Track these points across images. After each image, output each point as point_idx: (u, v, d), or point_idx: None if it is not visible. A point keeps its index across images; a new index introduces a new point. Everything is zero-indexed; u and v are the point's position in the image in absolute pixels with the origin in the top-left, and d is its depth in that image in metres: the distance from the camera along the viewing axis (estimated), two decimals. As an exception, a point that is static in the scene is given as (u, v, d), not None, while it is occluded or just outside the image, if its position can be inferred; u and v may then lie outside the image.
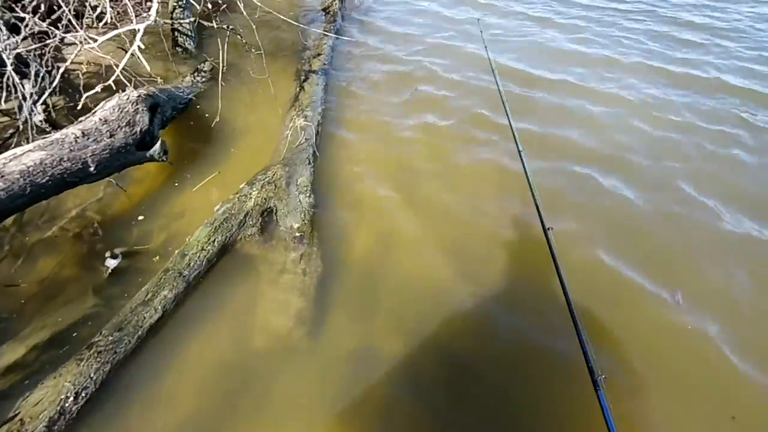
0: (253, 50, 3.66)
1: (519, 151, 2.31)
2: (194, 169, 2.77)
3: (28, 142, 2.35)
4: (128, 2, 2.89)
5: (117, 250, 2.20)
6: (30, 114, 2.28)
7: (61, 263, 2.19)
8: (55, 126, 2.61)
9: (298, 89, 3.58)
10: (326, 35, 4.33)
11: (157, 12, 2.60)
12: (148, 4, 2.94)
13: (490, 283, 2.25)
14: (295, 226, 2.33)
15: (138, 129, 2.38)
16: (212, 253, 2.11)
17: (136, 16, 2.89)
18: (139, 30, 2.38)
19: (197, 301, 2.06)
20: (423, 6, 5.58)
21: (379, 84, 3.88)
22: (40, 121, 2.40)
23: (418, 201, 2.69)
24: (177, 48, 4.04)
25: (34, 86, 2.29)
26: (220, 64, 3.21)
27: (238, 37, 3.75)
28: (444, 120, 3.45)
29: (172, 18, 4.02)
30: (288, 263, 2.21)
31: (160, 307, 1.86)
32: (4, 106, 2.42)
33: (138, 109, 2.41)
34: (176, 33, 4.05)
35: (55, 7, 2.77)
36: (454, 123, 3.41)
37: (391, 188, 2.76)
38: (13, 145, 2.33)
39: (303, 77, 3.71)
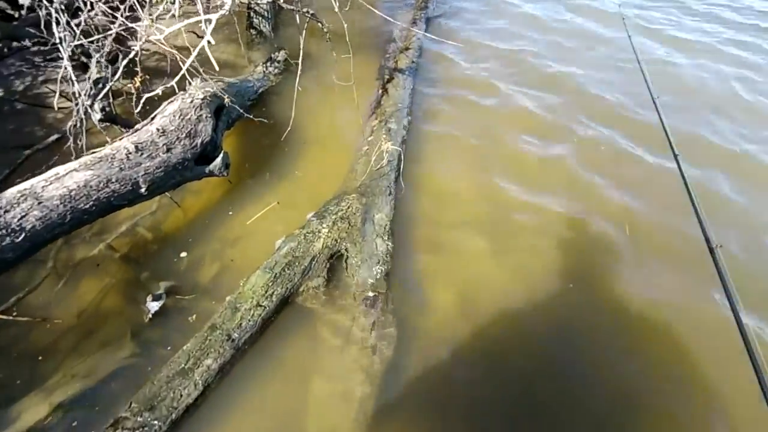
0: (331, 41, 3.19)
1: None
2: (253, 189, 2.40)
3: (80, 147, 2.09)
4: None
5: (161, 286, 1.89)
6: (85, 114, 1.98)
7: (104, 291, 1.91)
8: (116, 122, 2.32)
9: (380, 91, 3.07)
10: (415, 29, 3.75)
11: (234, -3, 2.20)
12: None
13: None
14: (370, 281, 1.88)
15: (199, 141, 2.01)
16: (269, 311, 1.73)
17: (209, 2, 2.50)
18: (211, 21, 1.98)
19: (241, 367, 1.69)
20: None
21: (474, 94, 3.26)
22: (99, 119, 2.10)
23: (514, 252, 2.14)
24: (251, 30, 3.66)
25: (91, 83, 1.98)
26: (299, 58, 2.76)
27: (320, 25, 3.28)
28: (553, 146, 2.80)
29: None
30: (356, 331, 1.78)
31: (201, 382, 1.51)
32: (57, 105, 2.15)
33: (201, 116, 2.04)
34: (252, 13, 3.67)
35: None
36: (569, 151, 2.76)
37: (483, 235, 2.23)
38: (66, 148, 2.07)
39: (387, 76, 3.20)
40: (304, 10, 3.30)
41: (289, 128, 2.55)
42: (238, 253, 2.09)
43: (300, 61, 2.53)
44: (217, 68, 2.02)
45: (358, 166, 2.39)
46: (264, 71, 3.21)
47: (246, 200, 2.33)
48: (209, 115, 2.10)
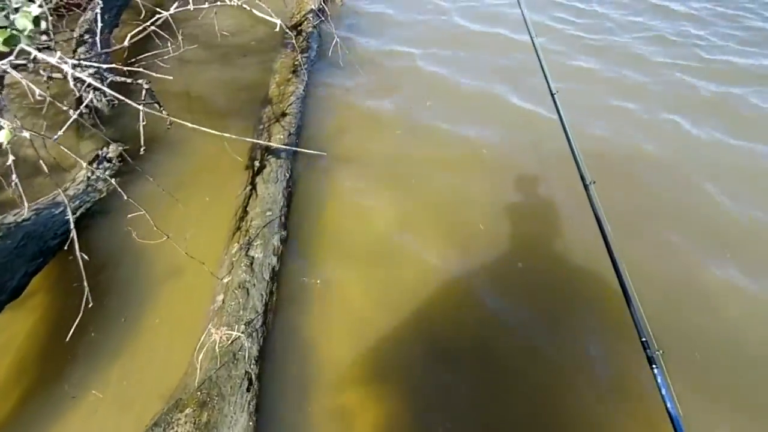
0: (168, 118, 2.42)
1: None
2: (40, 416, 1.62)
3: None
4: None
5: None
6: None
7: None
8: None
9: (247, 188, 2.35)
10: (295, 81, 3.03)
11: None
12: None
13: None
14: None
15: None
16: None
17: None
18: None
19: None
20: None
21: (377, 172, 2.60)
22: None
23: None
24: (84, 109, 2.78)
25: None
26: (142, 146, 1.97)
27: (158, 106, 2.49)
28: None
29: (75, 57, 2.76)
30: None
31: None
32: None
33: None
34: (80, 84, 2.79)
35: None
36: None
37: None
38: None
39: (258, 162, 2.47)
40: (142, 81, 2.49)
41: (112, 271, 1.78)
42: None
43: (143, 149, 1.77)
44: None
45: (205, 345, 1.68)
46: (87, 178, 2.38)
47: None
48: None
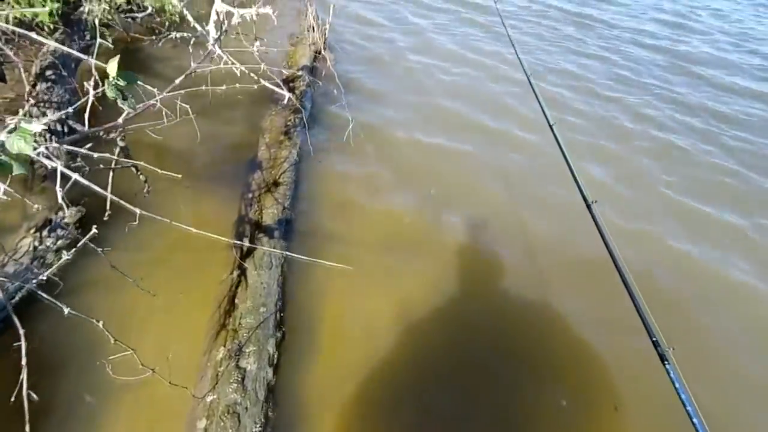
0: (149, 193, 2.11)
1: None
2: None
3: None
4: None
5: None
6: None
7: None
8: None
9: (234, 274, 2.05)
10: (288, 145, 2.82)
11: None
12: None
13: None
14: None
15: None
16: None
17: None
18: None
19: None
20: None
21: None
22: None
23: None
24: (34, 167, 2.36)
25: None
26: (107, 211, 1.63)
27: (135, 171, 2.16)
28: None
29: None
30: None
31: None
32: None
33: None
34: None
35: None
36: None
37: None
38: None
39: (247, 241, 2.19)
40: (119, 138, 2.17)
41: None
42: None
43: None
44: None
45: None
46: (33, 249, 1.96)
47: None
48: None
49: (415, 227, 2.56)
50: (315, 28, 3.98)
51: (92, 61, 1.20)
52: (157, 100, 1.42)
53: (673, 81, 4.70)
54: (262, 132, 3.01)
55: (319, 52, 4.02)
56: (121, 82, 0.96)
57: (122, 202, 1.31)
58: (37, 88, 2.48)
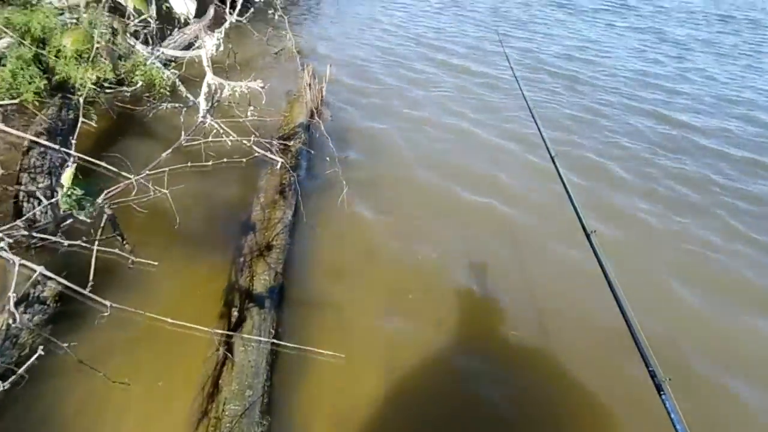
0: (130, 258, 2.01)
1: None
2: None
3: None
4: None
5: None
6: None
7: None
8: None
9: (221, 353, 1.91)
10: (282, 206, 2.77)
11: None
12: None
13: None
14: None
15: None
16: None
17: None
18: None
19: None
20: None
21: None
22: None
23: None
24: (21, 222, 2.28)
25: None
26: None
27: (119, 239, 2.08)
28: None
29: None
30: None
31: None
32: None
33: None
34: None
35: None
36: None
37: None
38: None
39: (236, 311, 2.06)
40: (106, 206, 2.09)
41: None
42: None
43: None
44: None
45: None
46: (6, 327, 1.83)
47: None
48: None
49: (413, 292, 2.44)
50: (312, 87, 4.07)
51: (73, 154, 1.14)
52: (133, 181, 1.36)
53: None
54: (258, 191, 2.97)
55: (316, 110, 4.08)
56: (77, 192, 0.90)
57: (93, 296, 1.21)
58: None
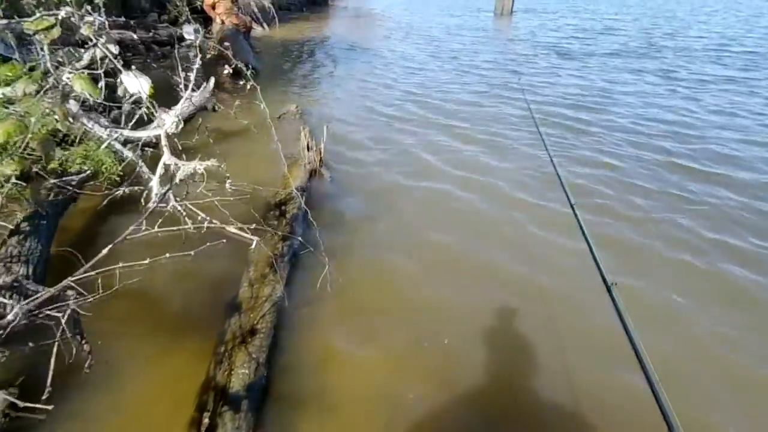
0: (89, 359, 1.77)
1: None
2: None
3: None
4: None
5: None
6: None
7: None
8: None
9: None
10: (270, 281, 2.52)
11: None
12: None
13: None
14: None
15: None
16: None
17: None
18: None
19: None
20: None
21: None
22: None
23: None
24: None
25: None
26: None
27: (78, 338, 1.87)
28: None
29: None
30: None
31: None
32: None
33: None
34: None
35: None
36: None
37: None
38: None
39: (205, 422, 1.76)
40: (71, 300, 1.89)
41: None
42: None
43: None
44: None
45: None
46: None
47: None
48: None
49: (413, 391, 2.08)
50: (310, 148, 3.98)
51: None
52: (70, 283, 1.15)
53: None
54: (248, 264, 2.75)
55: (315, 172, 3.97)
56: None
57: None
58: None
